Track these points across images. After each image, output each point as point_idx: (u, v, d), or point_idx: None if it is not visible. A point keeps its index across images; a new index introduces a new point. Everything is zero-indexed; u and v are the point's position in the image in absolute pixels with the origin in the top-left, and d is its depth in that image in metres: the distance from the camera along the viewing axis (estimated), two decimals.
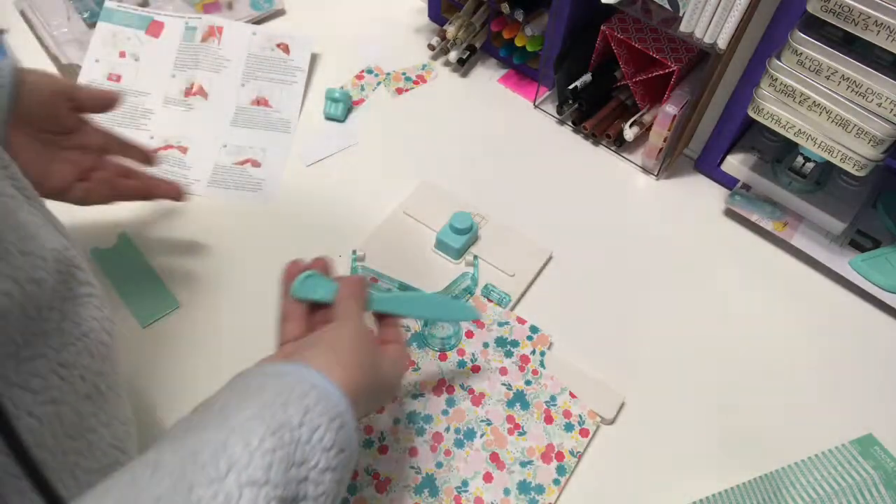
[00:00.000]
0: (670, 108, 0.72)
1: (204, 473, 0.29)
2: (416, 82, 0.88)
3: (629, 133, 0.78)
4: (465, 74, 0.90)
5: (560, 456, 0.58)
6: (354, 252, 0.69)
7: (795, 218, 0.74)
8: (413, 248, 0.71)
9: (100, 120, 0.60)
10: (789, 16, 0.62)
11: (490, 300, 0.67)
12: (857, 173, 0.63)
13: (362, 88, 0.87)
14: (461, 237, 0.69)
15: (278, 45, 0.85)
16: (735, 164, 0.75)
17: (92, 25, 0.84)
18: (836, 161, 0.64)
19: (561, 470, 0.57)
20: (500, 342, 0.64)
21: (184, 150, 0.77)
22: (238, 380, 0.38)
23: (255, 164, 0.77)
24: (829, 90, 0.60)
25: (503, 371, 0.62)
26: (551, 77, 0.84)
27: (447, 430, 0.59)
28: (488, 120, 0.85)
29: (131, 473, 0.30)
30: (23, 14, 0.87)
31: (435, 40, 0.89)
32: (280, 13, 0.94)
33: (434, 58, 0.91)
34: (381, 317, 0.53)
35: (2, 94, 0.51)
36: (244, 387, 0.36)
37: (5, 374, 0.34)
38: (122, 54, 0.82)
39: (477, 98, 0.87)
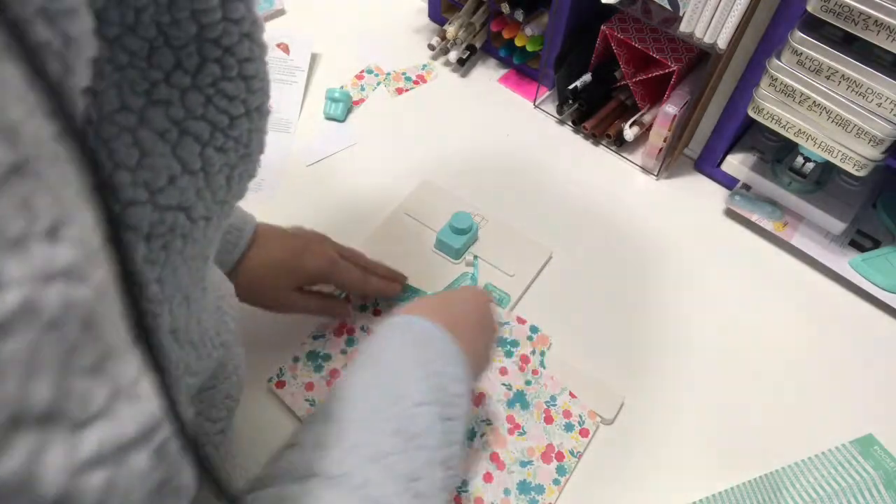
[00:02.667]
0: (670, 108, 0.72)
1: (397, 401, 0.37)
2: (416, 82, 0.88)
3: (629, 133, 0.78)
4: (465, 74, 0.90)
5: (560, 456, 0.58)
6: None
7: (795, 218, 0.74)
8: (413, 248, 0.71)
9: None
10: (789, 16, 0.62)
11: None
12: (857, 173, 0.63)
13: (362, 88, 0.87)
14: (461, 237, 0.69)
15: (278, 45, 0.85)
16: (735, 164, 0.75)
17: None
18: (836, 161, 0.64)
19: (561, 470, 0.57)
20: (500, 342, 0.64)
21: None
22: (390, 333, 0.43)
23: None
24: (829, 90, 0.60)
25: (503, 371, 0.62)
26: (551, 77, 0.84)
27: None
28: (488, 120, 0.85)
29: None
30: None
31: (435, 40, 0.89)
32: (280, 13, 0.94)
33: (434, 58, 0.91)
34: None
35: (236, 251, 0.54)
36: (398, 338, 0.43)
37: (193, 404, 0.37)
38: None
39: (477, 98, 0.87)
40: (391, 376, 0.38)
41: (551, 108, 0.85)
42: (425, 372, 0.39)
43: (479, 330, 0.48)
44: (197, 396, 0.38)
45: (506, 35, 0.86)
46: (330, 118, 0.83)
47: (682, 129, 0.75)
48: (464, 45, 0.87)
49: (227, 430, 0.44)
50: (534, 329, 0.65)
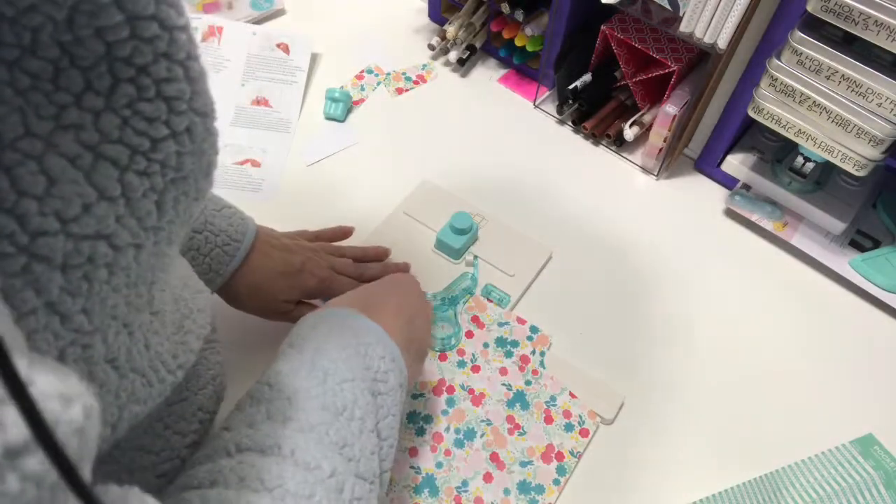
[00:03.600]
0: (670, 108, 0.72)
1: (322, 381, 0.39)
2: (416, 82, 0.88)
3: (629, 133, 0.78)
4: (465, 74, 0.90)
5: (560, 456, 0.58)
6: None
7: (795, 218, 0.74)
8: (413, 248, 0.71)
9: None
10: (789, 16, 0.62)
11: (490, 300, 0.67)
12: (857, 173, 0.63)
13: (362, 88, 0.87)
14: (461, 237, 0.69)
15: (278, 45, 0.85)
16: (735, 164, 0.75)
17: None
18: (836, 161, 0.64)
19: (561, 470, 0.57)
20: (500, 342, 0.64)
21: None
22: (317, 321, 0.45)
23: (255, 164, 0.77)
24: (829, 90, 0.60)
25: (503, 371, 0.62)
26: (551, 77, 0.84)
27: (447, 430, 0.59)
28: (488, 120, 0.85)
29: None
30: None
31: (435, 40, 0.89)
32: (280, 13, 0.94)
33: (434, 58, 0.91)
34: None
35: (233, 262, 0.55)
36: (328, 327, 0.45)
37: (161, 418, 0.37)
38: None
39: (477, 98, 0.87)
40: (316, 359, 0.40)
41: (551, 108, 0.85)
42: (347, 353, 0.41)
43: (407, 309, 0.50)
44: (166, 410, 0.37)
45: (506, 35, 0.86)
46: (330, 118, 0.83)
47: (682, 129, 0.75)
48: (464, 45, 0.87)
49: (198, 445, 0.43)
50: (534, 329, 0.65)
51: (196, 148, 0.28)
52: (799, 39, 0.60)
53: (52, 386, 0.18)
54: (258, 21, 0.92)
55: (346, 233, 0.68)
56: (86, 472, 0.19)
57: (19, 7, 0.21)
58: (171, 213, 0.28)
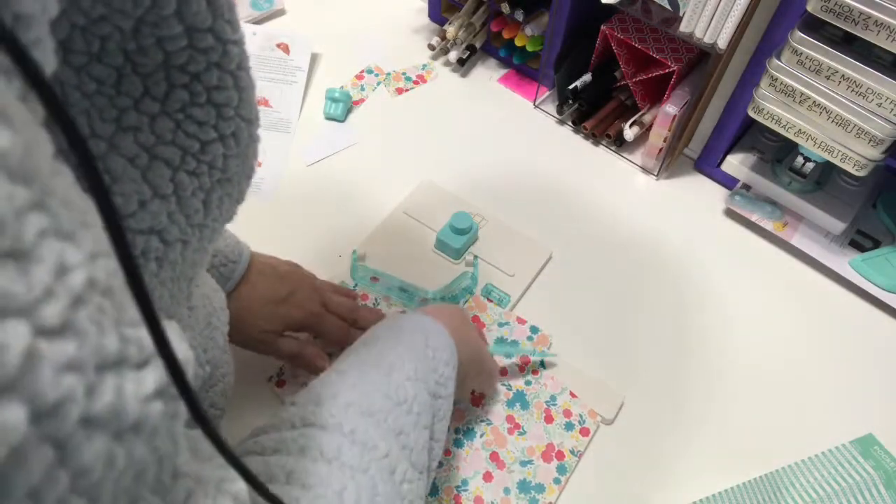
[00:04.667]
0: (670, 108, 0.72)
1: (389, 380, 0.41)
2: (416, 82, 0.88)
3: (629, 133, 0.78)
4: (465, 74, 0.90)
5: (560, 455, 0.58)
6: (355, 252, 0.69)
7: (795, 218, 0.74)
8: (413, 248, 0.71)
9: None
10: (789, 16, 0.62)
11: (490, 300, 0.67)
12: (857, 173, 0.63)
13: (362, 88, 0.87)
14: (461, 237, 0.69)
15: (278, 45, 0.85)
16: (735, 164, 0.75)
17: None
18: (836, 161, 0.64)
19: (561, 469, 0.57)
20: (501, 342, 0.64)
21: None
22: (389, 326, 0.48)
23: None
24: (829, 90, 0.60)
25: (503, 371, 0.62)
26: (551, 77, 0.84)
27: (447, 430, 0.59)
28: (488, 120, 0.85)
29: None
30: None
31: (435, 40, 0.89)
32: (280, 13, 0.94)
33: (434, 58, 0.91)
34: None
35: (228, 285, 0.54)
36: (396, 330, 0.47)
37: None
38: None
39: (477, 98, 0.87)
40: (385, 354, 0.43)
41: (551, 108, 0.85)
42: (416, 354, 0.43)
43: (468, 329, 0.53)
44: None
45: (506, 35, 0.86)
46: (330, 118, 0.83)
47: (682, 129, 0.75)
48: (464, 45, 0.87)
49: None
50: (534, 329, 0.65)
51: (241, 152, 0.30)
52: (799, 39, 0.60)
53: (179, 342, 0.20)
54: (258, 21, 0.92)
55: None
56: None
57: (91, 17, 0.22)
58: (215, 212, 0.30)
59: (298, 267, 0.61)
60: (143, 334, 0.18)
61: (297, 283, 0.58)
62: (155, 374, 0.18)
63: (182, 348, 0.20)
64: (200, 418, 0.19)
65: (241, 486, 0.24)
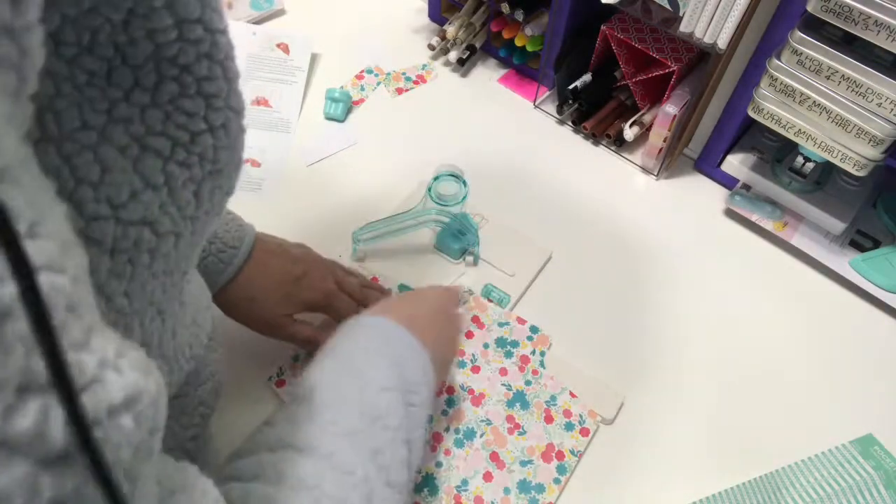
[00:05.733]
0: (670, 108, 0.72)
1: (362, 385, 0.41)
2: (416, 82, 0.88)
3: (629, 133, 0.78)
4: (465, 74, 0.90)
5: (560, 455, 0.58)
6: (354, 251, 0.69)
7: (795, 218, 0.74)
8: (413, 248, 0.71)
9: None
10: (789, 16, 0.62)
11: (490, 300, 0.67)
12: (857, 173, 0.63)
13: (362, 88, 0.87)
14: (461, 237, 0.69)
15: (278, 45, 0.85)
16: (735, 164, 0.75)
17: None
18: (836, 161, 0.64)
19: (561, 469, 0.57)
20: (500, 342, 0.64)
21: None
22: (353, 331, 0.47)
23: (255, 164, 0.77)
24: (829, 90, 0.60)
25: (503, 371, 0.62)
26: (551, 77, 0.85)
27: (447, 430, 0.59)
28: (488, 120, 0.85)
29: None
30: None
31: (435, 40, 0.89)
32: (280, 13, 0.94)
33: (434, 58, 0.91)
34: None
35: (228, 270, 0.53)
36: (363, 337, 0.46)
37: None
38: None
39: (477, 98, 0.87)
40: (357, 366, 0.42)
41: (551, 108, 0.86)
42: (387, 362, 0.43)
43: (440, 323, 0.51)
44: (169, 403, 0.38)
45: (506, 35, 0.86)
46: (330, 118, 0.83)
47: (682, 129, 0.75)
48: (464, 45, 0.87)
49: (199, 438, 0.44)
50: (534, 329, 0.65)
51: (231, 143, 0.30)
52: (799, 39, 0.60)
53: (137, 361, 0.20)
54: (258, 21, 0.92)
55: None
56: (157, 441, 0.21)
57: (82, 8, 0.22)
58: (207, 204, 0.30)
59: (308, 247, 0.61)
60: (85, 358, 0.18)
61: (310, 263, 0.58)
62: (93, 400, 0.17)
63: (132, 377, 0.19)
64: (101, 476, 0.18)
65: None
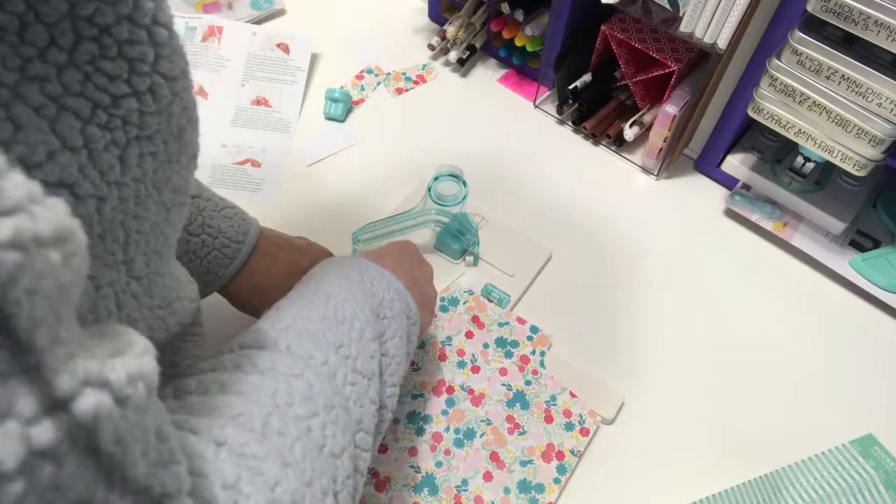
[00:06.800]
0: (670, 108, 0.72)
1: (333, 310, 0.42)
2: (416, 82, 0.88)
3: (629, 133, 0.78)
4: (465, 74, 0.90)
5: (560, 455, 0.58)
6: (354, 251, 0.69)
7: (795, 218, 0.74)
8: None
9: None
10: (789, 16, 0.62)
11: (490, 300, 0.67)
12: (857, 173, 0.63)
13: (362, 88, 0.87)
14: (461, 237, 0.69)
15: (278, 45, 0.85)
16: (735, 164, 0.75)
17: None
18: (836, 161, 0.64)
19: (561, 469, 0.57)
20: (500, 342, 0.64)
21: None
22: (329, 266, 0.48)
23: (255, 164, 0.77)
24: (829, 90, 0.60)
25: (503, 371, 0.62)
26: (551, 77, 0.84)
27: (447, 430, 0.59)
28: (488, 120, 0.85)
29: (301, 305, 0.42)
30: None
31: (435, 40, 0.89)
32: (280, 13, 0.94)
33: (434, 58, 0.91)
34: None
35: (233, 264, 0.55)
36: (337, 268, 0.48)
37: None
38: None
39: (477, 98, 0.87)
40: (320, 286, 0.44)
41: (551, 108, 0.85)
42: (350, 282, 0.45)
43: (401, 260, 0.53)
44: None
45: (506, 35, 0.86)
46: (330, 118, 0.83)
47: (682, 129, 0.75)
48: (464, 45, 0.87)
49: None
50: (534, 329, 0.65)
51: (161, 109, 0.29)
52: (799, 39, 0.60)
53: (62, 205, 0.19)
54: (258, 21, 0.92)
55: None
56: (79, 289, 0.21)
57: None
58: (135, 170, 0.29)
59: (309, 240, 0.62)
60: (9, 185, 0.17)
61: (315, 254, 0.60)
62: (16, 225, 0.17)
63: (61, 217, 0.19)
64: None
65: None
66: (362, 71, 0.88)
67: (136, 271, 0.33)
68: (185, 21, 0.83)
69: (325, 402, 0.35)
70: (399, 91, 0.87)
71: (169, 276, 0.38)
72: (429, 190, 0.67)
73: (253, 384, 0.34)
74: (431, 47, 0.89)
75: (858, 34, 0.55)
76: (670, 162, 0.79)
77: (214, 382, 0.33)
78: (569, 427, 0.59)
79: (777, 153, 0.76)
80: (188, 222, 0.52)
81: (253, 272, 0.56)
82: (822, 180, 0.73)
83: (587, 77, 0.81)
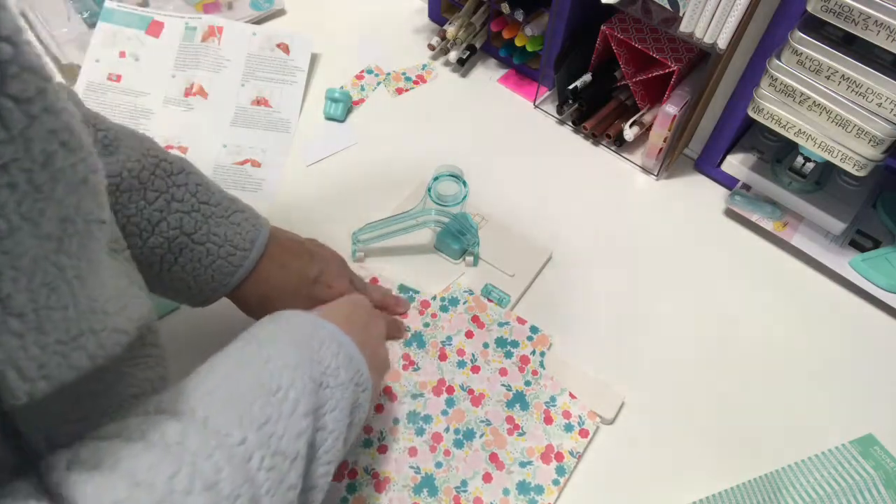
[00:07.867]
0: (670, 108, 0.72)
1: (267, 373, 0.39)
2: (416, 82, 0.88)
3: (629, 133, 0.78)
4: (465, 74, 0.90)
5: (560, 456, 0.58)
6: (354, 252, 0.69)
7: (795, 218, 0.74)
8: (413, 249, 0.71)
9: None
10: (789, 16, 0.62)
11: (490, 300, 0.67)
12: (857, 173, 0.63)
13: (362, 88, 0.87)
14: (461, 237, 0.69)
15: (278, 45, 0.85)
16: (735, 164, 0.75)
17: (92, 25, 0.84)
18: (836, 161, 0.64)
19: (560, 470, 0.57)
20: (500, 343, 0.64)
21: (184, 150, 0.77)
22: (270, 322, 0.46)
23: (255, 164, 0.77)
24: (829, 90, 0.60)
25: (503, 372, 0.62)
26: (551, 77, 0.84)
27: (447, 430, 0.59)
28: (488, 120, 0.85)
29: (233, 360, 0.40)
30: (23, 14, 0.87)
31: (435, 40, 0.89)
32: (280, 13, 0.94)
33: (434, 58, 0.91)
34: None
35: (238, 272, 0.53)
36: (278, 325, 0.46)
37: (50, 436, 0.34)
38: (122, 54, 0.82)
39: (477, 98, 0.87)
40: (262, 347, 0.41)
41: (551, 108, 0.85)
42: (295, 344, 0.42)
43: (354, 316, 0.51)
44: (64, 428, 0.35)
45: (506, 35, 0.86)
46: (330, 118, 0.83)
47: (682, 129, 0.75)
48: (464, 45, 0.87)
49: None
50: (534, 329, 0.65)
51: (15, 136, 0.26)
52: (799, 39, 0.59)
53: None
54: (258, 21, 0.92)
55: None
56: None
57: None
58: None
59: (319, 242, 0.61)
60: None
61: (325, 261, 0.58)
62: None
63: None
64: None
65: None
66: (362, 71, 0.88)
67: (15, 308, 0.30)
68: (185, 21, 0.83)
69: (229, 492, 0.32)
70: (399, 91, 0.87)
71: (75, 307, 0.33)
72: (429, 190, 0.67)
73: (149, 463, 0.30)
74: (431, 47, 0.89)
75: (858, 34, 0.55)
76: (670, 162, 0.79)
77: (110, 455, 0.30)
78: (568, 428, 0.59)
79: (777, 153, 0.76)
80: (193, 230, 0.50)
81: (262, 279, 0.54)
82: (822, 180, 0.73)
83: (587, 77, 0.81)
